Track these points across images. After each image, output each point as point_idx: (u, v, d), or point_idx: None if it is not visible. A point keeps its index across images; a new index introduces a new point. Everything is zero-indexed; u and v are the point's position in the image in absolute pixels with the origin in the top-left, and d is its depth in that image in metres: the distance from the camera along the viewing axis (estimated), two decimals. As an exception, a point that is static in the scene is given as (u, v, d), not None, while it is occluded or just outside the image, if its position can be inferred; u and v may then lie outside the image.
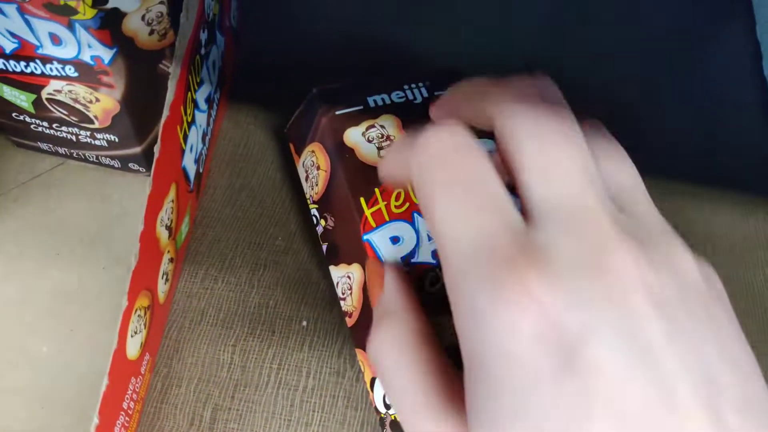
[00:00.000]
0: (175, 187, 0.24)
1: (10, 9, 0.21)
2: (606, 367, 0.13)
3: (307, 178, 0.26)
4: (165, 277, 0.24)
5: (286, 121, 0.32)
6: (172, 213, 0.24)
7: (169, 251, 0.24)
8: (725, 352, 0.14)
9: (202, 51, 0.25)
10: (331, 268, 0.25)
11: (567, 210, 0.14)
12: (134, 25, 0.22)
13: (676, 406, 0.13)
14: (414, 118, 0.25)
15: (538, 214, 0.14)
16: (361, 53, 0.34)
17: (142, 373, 0.23)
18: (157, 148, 0.21)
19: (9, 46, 0.22)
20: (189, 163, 0.25)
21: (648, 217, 0.16)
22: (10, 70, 0.24)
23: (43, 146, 0.28)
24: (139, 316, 0.21)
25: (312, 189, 0.26)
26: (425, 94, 0.26)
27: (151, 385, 0.24)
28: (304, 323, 0.26)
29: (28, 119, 0.26)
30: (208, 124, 0.28)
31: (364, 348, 0.23)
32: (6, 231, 0.27)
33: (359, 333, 0.23)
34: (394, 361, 0.17)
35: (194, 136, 0.26)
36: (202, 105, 0.26)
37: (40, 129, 0.27)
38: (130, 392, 0.22)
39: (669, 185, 0.32)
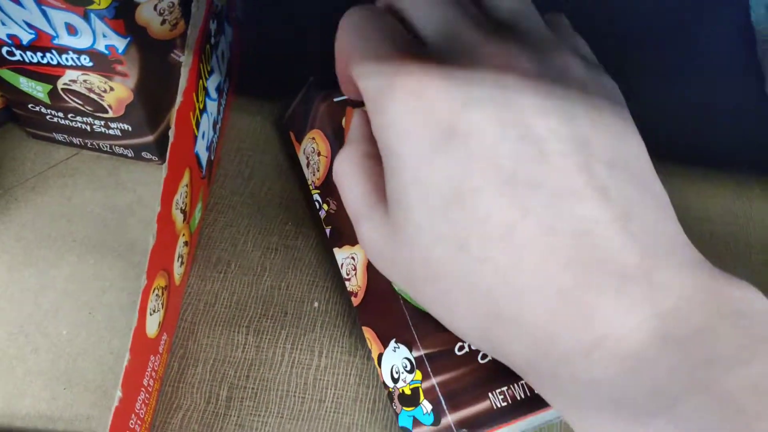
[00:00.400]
0: (189, 173, 0.24)
1: (28, 0, 0.21)
2: (480, 130, 0.16)
3: (308, 164, 0.27)
4: (180, 259, 0.25)
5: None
6: (186, 197, 0.24)
7: (184, 234, 0.25)
8: (599, 124, 0.16)
9: (212, 41, 0.26)
10: (335, 250, 0.25)
11: (448, 33, 0.17)
12: (147, 15, 0.23)
13: (546, 159, 0.15)
14: None
15: (424, 37, 0.18)
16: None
17: (160, 352, 0.24)
18: (171, 133, 0.22)
19: (26, 37, 0.23)
20: (201, 149, 0.26)
21: (538, 30, 0.18)
22: (27, 61, 0.24)
23: (58, 137, 0.29)
24: (156, 295, 0.22)
25: (314, 175, 0.26)
26: None
27: (168, 365, 0.25)
28: (316, 304, 0.27)
29: (43, 110, 0.27)
30: (218, 113, 0.28)
31: (370, 326, 0.24)
32: (24, 219, 0.28)
33: (364, 312, 0.24)
34: (345, 176, 0.20)
35: (206, 124, 0.26)
36: (213, 93, 0.27)
37: (55, 120, 0.27)
38: (149, 370, 0.22)
39: (664, 167, 0.33)
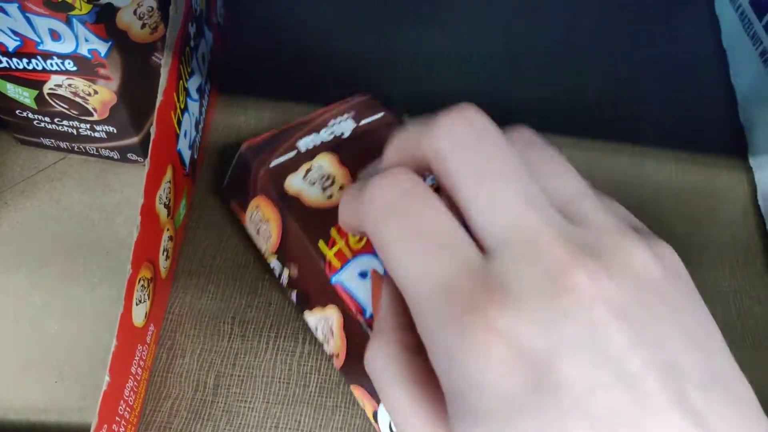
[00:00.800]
0: (172, 169, 0.25)
1: (12, 8, 0.23)
2: (574, 381, 0.13)
3: (258, 232, 0.26)
4: (166, 253, 0.26)
5: (274, 113, 0.33)
6: (169, 193, 0.25)
7: (168, 229, 0.26)
8: (687, 337, 0.15)
9: (192, 43, 0.27)
10: (306, 313, 0.25)
11: (517, 238, 0.14)
12: (127, 19, 0.24)
13: (645, 402, 0.14)
14: (348, 151, 0.25)
15: (490, 246, 0.15)
16: (342, 48, 0.36)
17: (148, 342, 0.25)
18: (152, 130, 0.23)
19: (11, 44, 0.24)
20: (184, 147, 0.27)
21: (597, 219, 0.16)
22: (13, 67, 0.25)
23: (46, 142, 0.30)
24: (142, 286, 0.23)
25: (267, 242, 0.26)
26: (353, 125, 0.27)
27: (156, 357, 0.26)
28: (283, 320, 0.27)
29: (30, 115, 0.28)
30: (200, 114, 0.30)
31: (359, 384, 0.24)
32: (14, 221, 0.29)
33: (349, 372, 0.24)
34: (385, 372, 0.17)
35: (188, 123, 0.27)
36: (194, 94, 0.28)
37: (42, 124, 0.28)
38: (137, 359, 0.23)
39: (637, 149, 0.34)
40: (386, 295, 0.19)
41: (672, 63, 0.37)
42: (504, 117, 0.32)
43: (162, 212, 0.24)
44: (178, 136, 0.26)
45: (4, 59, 0.25)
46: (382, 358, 0.17)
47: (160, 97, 0.23)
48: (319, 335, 0.25)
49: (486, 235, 0.15)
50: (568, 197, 0.16)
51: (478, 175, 0.15)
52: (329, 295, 0.23)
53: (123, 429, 0.23)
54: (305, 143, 0.26)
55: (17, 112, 0.28)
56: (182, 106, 0.26)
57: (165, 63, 0.24)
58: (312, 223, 0.24)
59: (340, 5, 0.37)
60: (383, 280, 0.20)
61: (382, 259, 0.16)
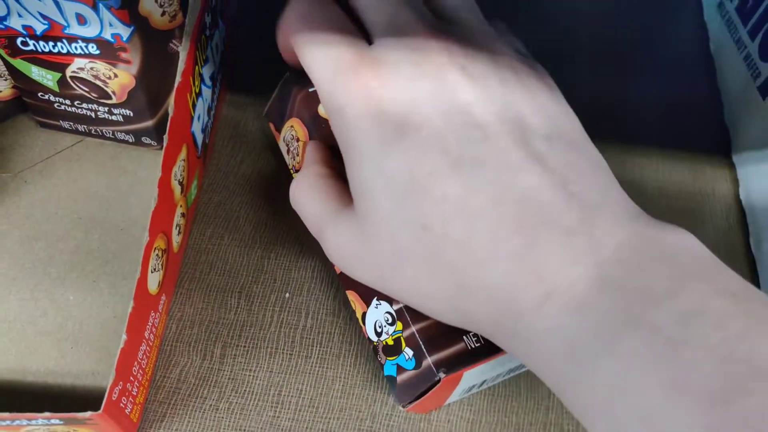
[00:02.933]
0: (186, 149, 0.27)
1: (43, -7, 0.24)
2: (428, 121, 0.18)
3: (288, 150, 0.29)
4: (178, 228, 0.27)
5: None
6: (183, 171, 0.27)
7: (181, 206, 0.27)
8: (535, 106, 0.18)
9: (207, 32, 0.29)
10: None
11: (393, 28, 0.19)
12: (149, 6, 0.26)
13: (488, 139, 0.17)
14: None
15: (374, 37, 0.20)
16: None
17: (160, 311, 0.26)
18: (171, 108, 0.24)
19: (40, 27, 0.26)
20: (197, 130, 0.28)
21: (470, 22, 0.20)
22: (40, 50, 0.27)
23: (65, 124, 0.31)
24: (157, 255, 0.24)
25: (294, 159, 0.28)
26: None
27: (166, 327, 0.27)
28: (287, 295, 0.29)
29: (52, 98, 0.30)
30: (212, 100, 0.31)
31: (353, 289, 0.26)
32: (33, 199, 0.30)
33: (347, 277, 0.25)
34: (302, 196, 0.22)
35: (201, 107, 0.29)
36: (208, 81, 0.30)
37: (62, 107, 0.30)
38: (150, 324, 0.25)
39: (625, 146, 0.36)
40: (311, 146, 0.24)
41: (662, 66, 0.39)
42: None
43: (176, 188, 0.26)
44: (192, 118, 0.27)
45: (31, 42, 0.27)
46: (302, 185, 0.22)
47: (178, 79, 0.25)
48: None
49: (371, 29, 0.20)
50: (456, 9, 0.21)
51: None
52: None
53: (136, 390, 0.24)
54: None
55: (39, 94, 0.30)
56: (197, 91, 0.28)
57: (184, 47, 0.25)
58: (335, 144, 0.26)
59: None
60: (311, 141, 0.25)
61: (302, 62, 0.21)
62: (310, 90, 0.28)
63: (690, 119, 0.37)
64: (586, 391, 0.16)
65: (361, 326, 0.26)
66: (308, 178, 0.22)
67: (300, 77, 0.28)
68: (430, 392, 0.22)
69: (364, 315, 0.25)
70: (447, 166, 0.17)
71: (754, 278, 0.32)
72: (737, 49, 0.36)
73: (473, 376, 0.23)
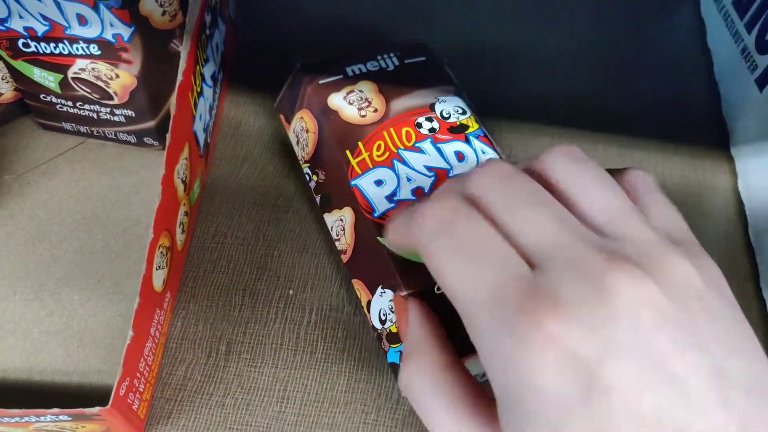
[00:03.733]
0: (188, 147, 0.27)
1: (45, -6, 0.24)
2: (622, 382, 0.14)
3: (298, 141, 0.29)
4: (182, 226, 0.27)
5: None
6: (186, 169, 0.27)
7: (184, 204, 0.27)
8: (729, 344, 0.16)
9: (207, 32, 0.29)
10: (325, 215, 0.28)
11: (559, 254, 0.16)
12: (149, 6, 0.26)
13: (689, 399, 0.15)
14: (388, 83, 0.28)
15: (535, 261, 0.16)
16: (349, 43, 0.38)
17: (165, 308, 0.26)
18: (173, 107, 0.24)
19: (41, 28, 0.26)
20: (199, 129, 0.29)
21: (639, 233, 0.17)
22: (41, 51, 0.27)
23: (67, 126, 0.32)
24: (161, 253, 0.25)
25: (303, 150, 0.29)
26: (396, 63, 0.29)
27: (172, 324, 0.27)
28: (291, 292, 0.29)
29: (54, 99, 0.30)
30: (214, 100, 0.31)
31: (359, 278, 0.26)
32: (37, 200, 0.30)
33: (353, 266, 0.26)
34: (424, 394, 0.18)
35: (202, 107, 0.29)
36: (209, 80, 0.30)
37: (65, 108, 0.30)
38: (155, 321, 0.25)
39: (625, 140, 0.36)
40: (415, 316, 0.20)
41: (660, 61, 0.39)
42: (505, 107, 0.34)
43: (179, 186, 0.26)
44: (194, 117, 0.28)
45: (32, 44, 0.27)
46: (419, 378, 0.18)
47: (180, 78, 0.25)
48: (333, 234, 0.27)
49: (530, 253, 0.16)
50: (610, 214, 0.17)
51: (509, 207, 0.17)
52: (347, 197, 0.26)
53: (143, 386, 0.24)
54: (352, 69, 0.29)
55: (41, 96, 0.30)
56: (198, 90, 0.28)
57: (185, 46, 0.25)
58: (343, 135, 0.27)
59: (351, 2, 0.39)
60: (408, 302, 0.21)
61: (433, 273, 0.17)
62: (321, 82, 0.28)
63: (689, 113, 0.38)
64: None
65: (366, 314, 0.26)
66: (428, 368, 0.19)
67: (311, 69, 0.29)
68: None
69: (369, 303, 0.25)
70: None
71: (753, 268, 0.32)
72: (734, 42, 0.37)
73: (475, 365, 0.23)
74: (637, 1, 0.42)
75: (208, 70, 0.30)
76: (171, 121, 0.24)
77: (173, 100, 0.25)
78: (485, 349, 0.16)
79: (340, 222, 0.27)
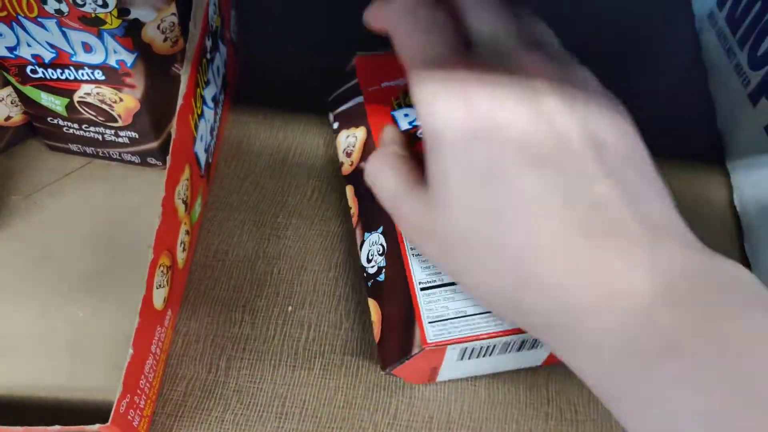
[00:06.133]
0: (189, 168, 0.28)
1: (51, 23, 0.25)
2: (516, 121, 0.19)
3: (345, 151, 0.32)
4: (182, 245, 0.28)
5: (283, 122, 0.36)
6: (187, 190, 0.28)
7: (185, 223, 0.28)
8: (609, 126, 0.20)
9: (208, 56, 0.30)
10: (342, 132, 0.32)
11: (494, 41, 0.21)
12: (151, 33, 0.27)
13: (568, 148, 0.19)
14: None
15: (474, 42, 0.22)
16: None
17: (166, 326, 0.27)
18: (173, 130, 0.25)
19: (48, 56, 0.27)
20: (200, 150, 0.29)
21: (557, 47, 0.23)
22: (48, 77, 0.28)
23: (73, 147, 0.32)
24: (162, 272, 0.25)
25: (349, 158, 0.31)
26: None
27: (173, 342, 0.28)
28: (290, 308, 0.30)
29: (61, 122, 0.31)
30: (215, 121, 0.32)
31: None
32: (43, 219, 0.31)
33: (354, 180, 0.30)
34: (378, 170, 0.23)
35: (203, 128, 0.30)
36: (210, 102, 0.31)
37: (71, 131, 0.31)
38: (156, 339, 0.26)
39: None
40: (387, 129, 0.27)
41: (656, 75, 0.40)
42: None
43: (180, 207, 0.27)
44: (195, 138, 0.28)
45: (40, 70, 0.28)
46: (378, 162, 0.24)
47: (180, 101, 0.26)
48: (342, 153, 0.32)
49: (473, 35, 0.22)
50: (541, 38, 0.23)
51: (482, 6, 0.23)
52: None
53: (143, 402, 0.25)
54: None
55: (48, 119, 0.31)
56: (199, 112, 0.29)
57: (185, 71, 0.26)
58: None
59: (349, 23, 0.40)
60: (387, 125, 0.27)
61: (396, 46, 0.22)
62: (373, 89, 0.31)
63: (684, 127, 0.38)
64: (643, 391, 0.16)
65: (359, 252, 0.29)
66: (386, 155, 0.24)
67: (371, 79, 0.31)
68: (412, 359, 0.24)
69: (362, 244, 0.28)
70: (529, 162, 0.18)
71: (750, 283, 0.32)
72: (728, 58, 0.37)
73: (456, 352, 0.24)
74: (632, 16, 0.43)
75: (209, 93, 0.30)
76: (171, 144, 0.25)
77: (175, 120, 0.26)
78: (417, 99, 0.21)
79: (354, 139, 0.31)
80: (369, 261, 0.28)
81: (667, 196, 0.20)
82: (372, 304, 0.27)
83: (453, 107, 0.20)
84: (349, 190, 0.31)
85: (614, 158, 0.19)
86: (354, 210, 0.30)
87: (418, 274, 0.25)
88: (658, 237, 0.18)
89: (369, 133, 0.29)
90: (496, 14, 0.22)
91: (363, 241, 0.29)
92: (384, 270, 0.27)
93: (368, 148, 0.30)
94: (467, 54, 0.21)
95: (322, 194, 0.33)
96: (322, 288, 0.30)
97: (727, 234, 0.34)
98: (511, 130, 0.19)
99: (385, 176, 0.23)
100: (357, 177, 0.30)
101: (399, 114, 0.29)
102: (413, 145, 0.27)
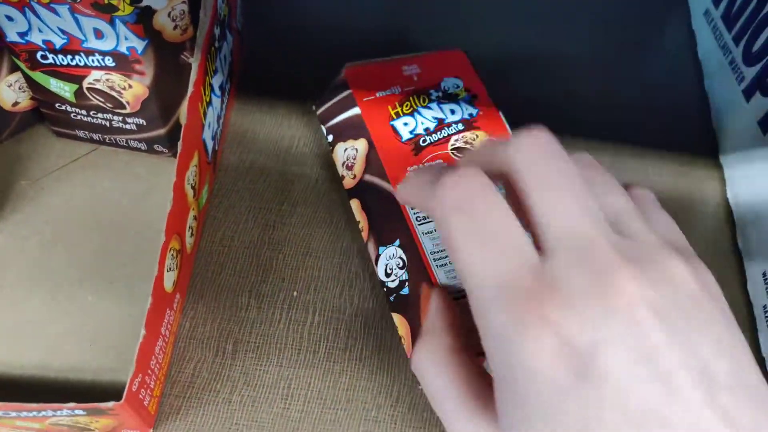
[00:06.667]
0: (198, 155, 0.28)
1: (63, 9, 0.26)
2: (614, 373, 0.15)
3: (344, 164, 0.31)
4: (190, 230, 0.28)
5: (287, 111, 0.37)
6: (195, 176, 0.28)
7: (193, 209, 0.29)
8: (719, 346, 0.16)
9: (216, 44, 0.30)
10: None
11: (573, 242, 0.17)
12: (162, 21, 0.27)
13: (676, 396, 0.15)
14: None
15: (548, 247, 0.17)
16: (356, 53, 0.39)
17: (174, 309, 0.27)
18: (184, 117, 0.26)
19: (59, 41, 0.27)
20: (207, 137, 0.30)
21: (643, 235, 0.18)
22: (58, 63, 0.28)
23: (80, 134, 0.33)
24: (172, 255, 0.26)
25: (350, 171, 0.31)
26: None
27: (180, 325, 0.29)
28: (295, 294, 0.30)
29: (69, 108, 0.31)
30: (221, 109, 0.33)
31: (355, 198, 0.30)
32: (51, 205, 0.32)
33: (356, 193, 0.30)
34: (431, 372, 0.20)
35: (211, 116, 0.30)
36: (217, 91, 0.31)
37: (78, 117, 0.32)
38: (165, 321, 0.26)
39: (618, 148, 0.37)
40: (435, 302, 0.21)
41: (653, 72, 0.41)
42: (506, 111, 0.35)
43: (189, 192, 0.27)
44: (203, 126, 0.29)
45: (50, 56, 0.28)
46: (429, 358, 0.20)
47: (191, 89, 0.26)
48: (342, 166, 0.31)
49: (545, 236, 0.17)
50: (619, 214, 0.18)
51: (547, 184, 0.17)
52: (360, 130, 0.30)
53: (153, 383, 0.25)
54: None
55: (57, 105, 0.31)
56: (207, 100, 0.29)
57: (195, 59, 0.27)
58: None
59: (355, 13, 0.41)
60: (432, 291, 0.22)
61: (446, 248, 0.18)
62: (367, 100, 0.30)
63: (680, 122, 0.39)
64: None
65: (374, 267, 0.28)
66: (438, 349, 0.20)
67: (357, 84, 0.30)
68: None
69: (377, 258, 0.28)
70: (627, 424, 0.15)
71: (741, 275, 0.33)
72: (723, 55, 0.38)
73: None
74: (629, 14, 0.43)
75: (217, 81, 0.31)
76: (182, 131, 0.25)
77: (184, 110, 0.26)
78: (487, 330, 0.17)
79: (354, 152, 0.30)
80: (388, 275, 0.27)
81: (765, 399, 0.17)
82: (398, 318, 0.27)
83: (540, 349, 0.16)
84: (355, 204, 0.30)
85: (725, 391, 0.16)
86: (363, 224, 0.29)
87: (446, 285, 0.25)
88: None
89: (371, 144, 0.29)
90: (568, 198, 0.17)
91: (378, 255, 0.28)
92: (407, 283, 0.27)
93: (371, 160, 0.29)
94: (543, 267, 0.17)
95: (326, 182, 0.33)
96: (327, 273, 0.31)
97: (720, 227, 0.35)
98: (610, 384, 0.15)
99: (439, 382, 0.19)
100: (362, 190, 0.29)
101: (398, 123, 0.29)
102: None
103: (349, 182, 0.30)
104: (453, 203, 0.18)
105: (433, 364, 0.20)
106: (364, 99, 0.30)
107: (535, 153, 0.18)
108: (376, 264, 0.28)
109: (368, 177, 0.29)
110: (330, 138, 0.32)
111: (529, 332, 0.16)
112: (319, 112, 0.33)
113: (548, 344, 0.15)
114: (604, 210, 0.18)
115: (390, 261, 0.27)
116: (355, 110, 0.30)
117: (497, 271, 0.17)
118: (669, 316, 0.16)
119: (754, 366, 0.17)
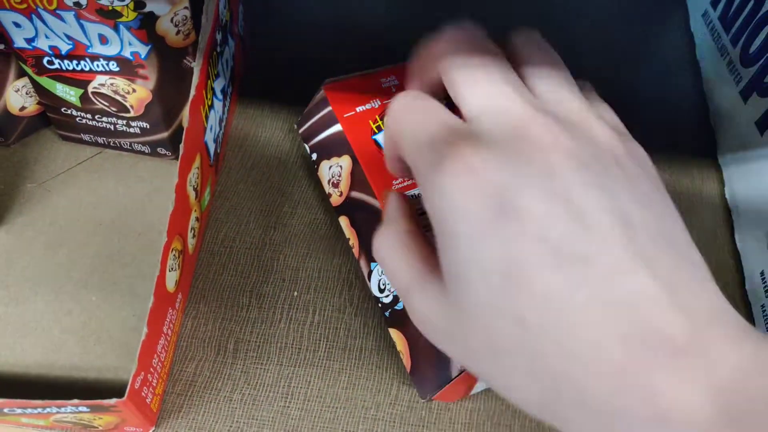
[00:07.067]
0: (200, 157, 0.29)
1: (69, 16, 0.26)
2: (531, 209, 0.16)
3: (330, 181, 0.31)
4: (192, 231, 0.29)
5: (288, 114, 0.37)
6: (197, 178, 0.29)
7: (195, 210, 0.29)
8: (641, 199, 0.17)
9: (218, 49, 0.31)
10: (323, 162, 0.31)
11: (492, 109, 0.18)
12: (165, 26, 0.28)
13: (593, 234, 0.16)
14: None
15: (470, 116, 0.19)
16: (357, 59, 0.39)
17: (177, 308, 0.28)
18: (185, 120, 0.26)
19: (65, 47, 0.28)
20: (209, 140, 0.30)
21: (572, 104, 0.19)
22: (64, 68, 0.29)
23: (85, 137, 0.33)
24: (174, 255, 0.26)
25: (336, 188, 0.30)
26: None
27: (182, 324, 0.29)
28: (295, 293, 0.31)
29: (74, 112, 0.32)
30: (223, 112, 0.33)
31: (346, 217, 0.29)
32: (56, 206, 0.32)
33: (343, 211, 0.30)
34: (387, 252, 0.21)
35: (213, 119, 0.31)
36: (219, 94, 0.32)
37: (84, 121, 0.32)
38: (168, 320, 0.27)
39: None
40: (392, 198, 0.24)
41: (651, 72, 0.41)
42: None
43: (191, 194, 0.28)
44: (205, 129, 0.29)
45: (56, 61, 0.29)
46: (386, 242, 0.21)
47: (192, 92, 0.27)
48: (329, 183, 0.30)
49: (467, 110, 0.19)
50: (551, 87, 0.20)
51: (468, 70, 0.19)
52: (344, 147, 0.29)
53: (155, 381, 0.26)
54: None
55: (62, 109, 0.32)
56: (209, 103, 0.30)
57: (197, 63, 0.27)
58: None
59: (356, 18, 0.41)
60: (390, 193, 0.25)
61: (393, 137, 0.21)
62: (348, 116, 0.30)
63: (678, 122, 0.39)
64: None
65: (367, 283, 0.28)
66: (394, 233, 0.21)
67: (337, 101, 0.30)
68: (452, 382, 0.24)
69: (369, 274, 0.27)
70: (549, 259, 0.16)
71: (739, 275, 0.33)
72: (720, 56, 0.38)
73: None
74: (628, 15, 0.44)
75: (219, 85, 0.31)
76: (184, 134, 0.26)
77: (186, 113, 0.27)
78: (422, 184, 0.18)
79: (339, 169, 0.29)
80: (382, 291, 0.27)
81: (706, 274, 0.17)
82: (395, 333, 0.27)
83: (461, 190, 0.17)
84: (344, 221, 0.30)
85: (645, 237, 0.16)
86: (353, 241, 0.29)
87: None
88: (704, 334, 0.15)
89: (355, 160, 0.29)
90: (486, 75, 0.19)
91: (371, 272, 0.28)
92: None
93: (356, 176, 0.29)
94: (469, 125, 0.19)
95: (327, 184, 0.34)
96: (327, 274, 0.31)
97: (718, 226, 0.35)
98: (528, 219, 0.16)
99: (395, 261, 0.21)
100: (350, 207, 0.29)
101: (381, 137, 0.29)
102: (420, 213, 0.25)
103: (336, 200, 0.30)
104: (397, 111, 0.20)
105: (390, 247, 0.21)
106: (345, 115, 0.30)
107: (454, 41, 0.21)
108: (369, 280, 0.28)
109: (354, 194, 0.29)
110: (314, 156, 0.31)
111: (448, 169, 0.17)
112: (301, 130, 0.32)
113: (468, 181, 0.17)
114: (536, 85, 0.20)
115: (382, 276, 0.27)
116: (337, 127, 0.29)
117: (427, 133, 0.19)
118: (587, 165, 0.17)
119: (679, 223, 0.18)
